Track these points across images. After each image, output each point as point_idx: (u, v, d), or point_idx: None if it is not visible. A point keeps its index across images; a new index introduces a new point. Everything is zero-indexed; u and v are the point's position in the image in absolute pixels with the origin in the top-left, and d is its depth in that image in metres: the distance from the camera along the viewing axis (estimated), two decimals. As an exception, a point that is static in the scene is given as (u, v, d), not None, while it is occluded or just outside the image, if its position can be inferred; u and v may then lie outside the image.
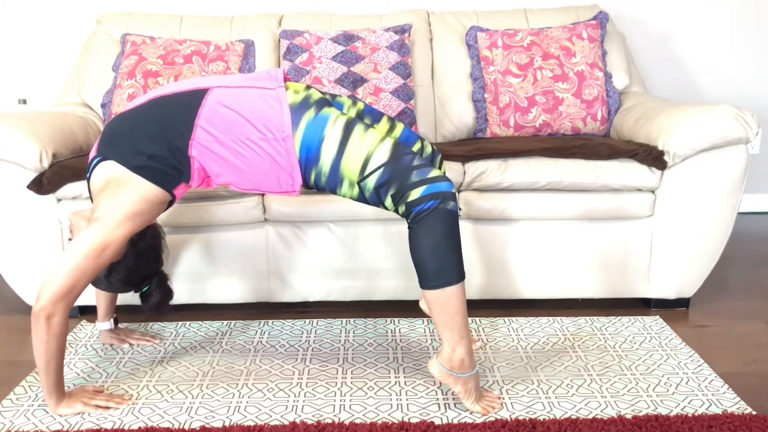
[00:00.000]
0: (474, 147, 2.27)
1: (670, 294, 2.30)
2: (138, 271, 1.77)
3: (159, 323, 2.22)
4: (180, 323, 2.22)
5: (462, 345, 1.62)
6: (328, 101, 1.67)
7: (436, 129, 2.72)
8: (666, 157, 2.18)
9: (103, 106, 2.61)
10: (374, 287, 2.28)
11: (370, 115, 1.81)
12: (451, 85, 2.73)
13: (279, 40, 2.76)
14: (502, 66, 2.65)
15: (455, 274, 1.57)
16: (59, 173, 2.10)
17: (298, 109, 1.60)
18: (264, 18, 2.82)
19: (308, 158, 1.60)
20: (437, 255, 1.55)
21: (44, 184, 2.09)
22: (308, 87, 1.69)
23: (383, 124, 1.82)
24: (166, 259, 1.90)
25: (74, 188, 2.13)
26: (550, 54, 2.65)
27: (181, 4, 3.15)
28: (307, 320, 2.24)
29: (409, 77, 2.64)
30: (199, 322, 2.23)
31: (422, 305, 2.01)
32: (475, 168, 2.19)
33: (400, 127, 1.84)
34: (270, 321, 2.24)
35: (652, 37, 3.32)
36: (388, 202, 1.59)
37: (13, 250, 2.20)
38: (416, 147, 1.85)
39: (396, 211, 1.60)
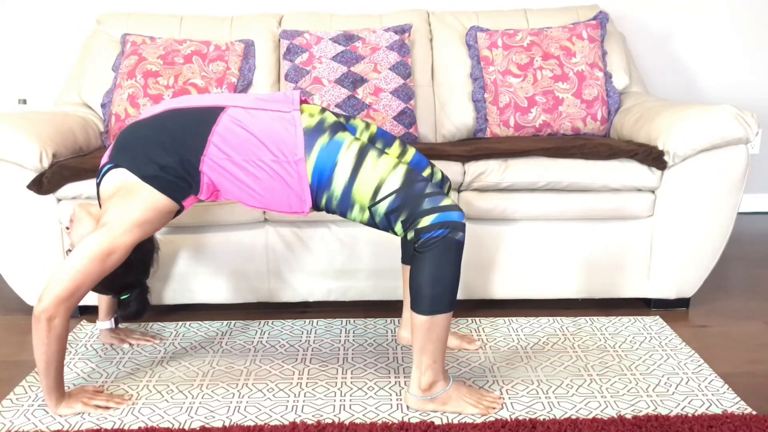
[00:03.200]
0: (474, 147, 2.27)
1: (670, 294, 2.30)
2: (122, 279, 1.77)
3: (159, 323, 2.22)
4: (180, 323, 2.22)
5: (432, 369, 1.65)
6: (342, 125, 1.67)
7: (436, 129, 2.72)
8: (666, 157, 2.18)
9: (103, 106, 2.61)
10: (374, 287, 2.28)
11: (382, 139, 1.82)
12: (451, 85, 2.73)
13: (279, 40, 2.76)
14: (502, 66, 2.65)
15: (447, 303, 1.60)
16: (59, 173, 2.10)
17: (312, 134, 1.61)
18: (264, 18, 2.82)
19: (320, 182, 1.60)
20: (436, 283, 1.57)
21: (44, 184, 2.09)
22: (323, 110, 1.70)
23: (395, 149, 1.82)
24: (154, 273, 1.91)
25: (74, 188, 2.13)
26: (550, 54, 2.65)
27: (181, 4, 3.15)
28: (307, 320, 2.24)
29: (409, 77, 2.64)
30: (199, 322, 2.23)
31: (400, 338, 2.06)
32: (475, 168, 2.19)
33: (411, 152, 1.85)
34: (270, 321, 2.24)
35: (652, 37, 3.32)
36: (398, 227, 1.60)
37: (13, 250, 2.20)
38: (426, 172, 1.86)
39: (405, 237, 1.61)
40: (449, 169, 2.18)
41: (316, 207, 1.66)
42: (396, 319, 2.24)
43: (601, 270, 2.28)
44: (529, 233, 2.25)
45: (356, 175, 1.59)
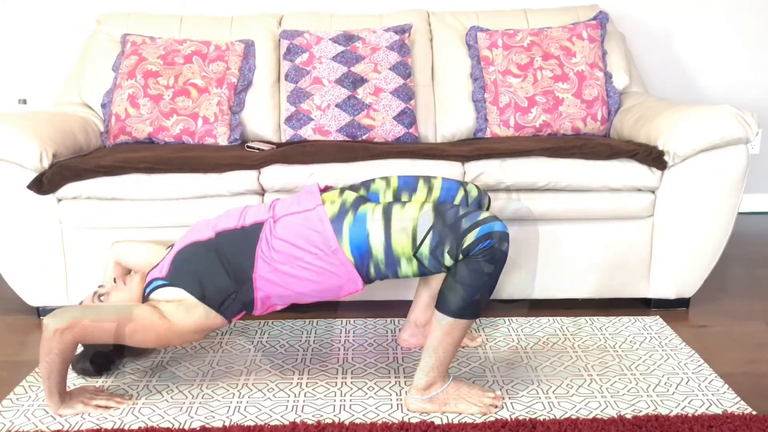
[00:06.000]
0: (474, 147, 2.27)
1: (670, 294, 2.30)
2: (106, 346, 1.81)
3: (159, 323, 2.22)
4: (180, 323, 2.22)
5: (435, 371, 1.67)
6: (363, 198, 1.71)
7: (436, 129, 2.72)
8: (666, 157, 2.18)
9: (103, 106, 2.61)
10: (374, 287, 2.28)
11: (405, 189, 1.84)
12: (451, 85, 2.73)
13: (279, 40, 2.76)
14: (502, 66, 2.65)
15: (474, 311, 1.62)
16: (59, 173, 2.10)
17: (337, 219, 1.64)
18: (264, 18, 2.82)
19: (362, 256, 1.63)
20: (472, 290, 1.59)
21: (44, 184, 2.10)
22: (342, 191, 1.74)
23: (421, 190, 1.84)
24: (134, 359, 1.96)
25: (74, 188, 2.13)
26: (550, 54, 2.65)
27: (181, 4, 3.15)
28: (307, 320, 2.24)
29: (409, 77, 2.64)
30: (199, 322, 2.22)
31: (400, 340, 2.05)
32: (475, 168, 2.19)
33: (437, 184, 1.85)
34: (270, 321, 2.24)
35: (652, 37, 3.32)
36: (447, 259, 1.60)
37: (13, 250, 2.20)
38: (460, 194, 1.86)
39: (456, 263, 1.61)
40: (449, 169, 2.18)
41: (367, 280, 1.68)
42: (396, 320, 2.24)
43: (601, 270, 2.28)
44: (529, 233, 2.24)
45: (390, 233, 1.61)
